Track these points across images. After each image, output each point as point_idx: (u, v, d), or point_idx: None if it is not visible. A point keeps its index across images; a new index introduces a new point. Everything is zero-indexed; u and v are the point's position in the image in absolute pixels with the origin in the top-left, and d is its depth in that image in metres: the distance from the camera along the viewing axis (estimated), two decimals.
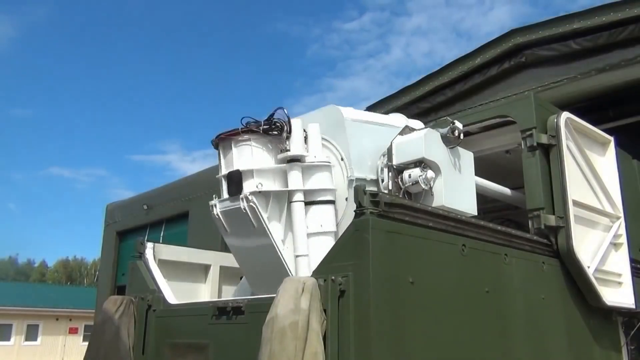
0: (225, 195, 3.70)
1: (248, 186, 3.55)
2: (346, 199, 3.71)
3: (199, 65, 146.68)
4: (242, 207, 3.51)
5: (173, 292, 4.07)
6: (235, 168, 3.60)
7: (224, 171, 3.72)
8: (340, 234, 3.31)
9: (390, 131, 3.94)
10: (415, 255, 2.93)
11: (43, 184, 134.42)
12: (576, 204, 4.11)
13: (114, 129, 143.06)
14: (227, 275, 5.05)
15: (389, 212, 2.83)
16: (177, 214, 14.77)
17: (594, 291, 4.10)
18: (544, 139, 4.12)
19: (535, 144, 4.10)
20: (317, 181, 3.67)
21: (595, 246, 4.31)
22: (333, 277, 2.71)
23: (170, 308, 3.90)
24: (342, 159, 3.78)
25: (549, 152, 4.15)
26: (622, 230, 4.62)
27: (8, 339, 34.23)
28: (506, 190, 4.93)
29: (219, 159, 3.82)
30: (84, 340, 35.08)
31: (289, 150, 3.60)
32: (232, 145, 3.66)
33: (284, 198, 3.64)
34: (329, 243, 3.39)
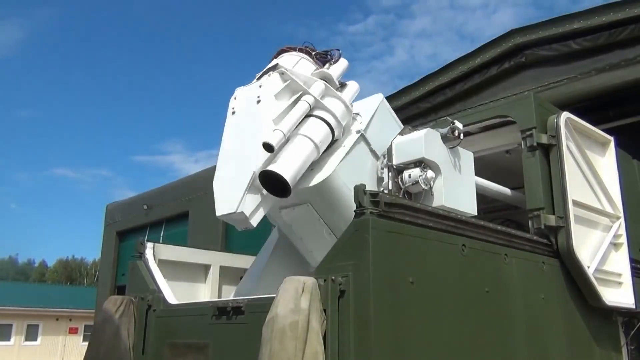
0: None
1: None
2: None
3: (203, 66, 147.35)
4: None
5: (173, 292, 4.07)
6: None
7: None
8: (320, 160, 3.58)
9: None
10: (415, 255, 2.93)
11: (47, 185, 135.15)
12: (576, 204, 4.11)
13: (117, 130, 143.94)
14: (227, 275, 5.05)
15: (389, 212, 2.83)
16: (177, 214, 14.79)
17: (594, 291, 4.10)
18: (544, 139, 4.12)
19: (535, 144, 4.10)
20: (332, 104, 3.71)
21: (595, 246, 4.31)
22: (333, 277, 2.71)
23: (170, 308, 3.90)
24: (360, 122, 3.90)
25: (549, 152, 4.15)
26: (622, 230, 4.62)
27: (8, 339, 34.22)
28: (506, 190, 4.93)
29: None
30: (84, 340, 35.06)
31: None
32: (287, 55, 3.97)
33: (298, 92, 3.67)
34: (304, 147, 3.45)
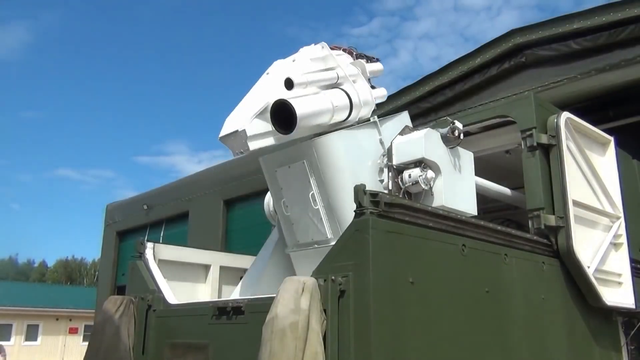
0: None
1: None
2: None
3: (207, 67, 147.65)
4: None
5: (173, 292, 4.07)
6: None
7: None
8: (329, 128, 3.67)
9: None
10: (415, 255, 2.93)
11: (50, 185, 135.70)
12: (576, 204, 4.11)
13: (121, 131, 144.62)
14: (227, 275, 5.05)
15: (389, 212, 2.83)
16: (177, 214, 14.80)
17: (594, 291, 4.10)
18: (544, 139, 4.12)
19: (535, 144, 4.10)
20: (358, 86, 3.90)
21: (595, 246, 4.31)
22: (333, 277, 2.71)
23: (170, 308, 3.90)
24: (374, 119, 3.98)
25: (549, 152, 4.15)
26: (622, 230, 4.62)
27: (8, 339, 34.20)
28: (506, 190, 4.93)
29: None
30: (84, 340, 35.07)
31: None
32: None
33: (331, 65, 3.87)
34: (320, 101, 3.60)
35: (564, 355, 3.91)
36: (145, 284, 4.11)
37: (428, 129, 3.89)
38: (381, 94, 4.27)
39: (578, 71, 7.92)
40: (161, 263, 4.41)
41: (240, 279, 4.58)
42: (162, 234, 15.26)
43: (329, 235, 3.73)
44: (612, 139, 4.79)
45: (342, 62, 3.97)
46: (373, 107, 4.01)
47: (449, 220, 3.23)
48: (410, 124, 4.18)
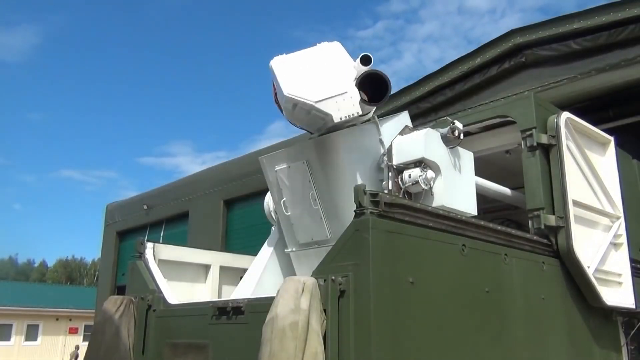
0: None
1: None
2: None
3: (212, 69, 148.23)
4: None
5: (173, 292, 4.07)
6: None
7: None
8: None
9: None
10: (415, 255, 2.93)
11: (53, 186, 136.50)
12: (576, 204, 4.11)
13: (125, 132, 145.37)
14: (227, 275, 5.05)
15: (389, 212, 2.83)
16: (177, 214, 14.80)
17: (594, 291, 4.10)
18: (544, 139, 4.12)
19: (535, 144, 4.10)
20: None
21: (595, 246, 4.31)
22: (333, 277, 2.71)
23: (170, 308, 3.90)
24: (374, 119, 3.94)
25: (549, 152, 4.15)
26: (622, 230, 4.62)
27: (8, 339, 34.22)
28: (506, 190, 4.92)
29: None
30: (84, 340, 35.05)
31: None
32: None
33: None
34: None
35: (564, 355, 3.91)
36: (145, 284, 4.11)
37: (428, 129, 3.89)
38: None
39: (578, 71, 7.92)
40: (161, 263, 4.41)
41: (240, 279, 4.58)
42: (162, 234, 15.27)
43: (329, 235, 3.73)
44: (612, 139, 4.79)
45: None
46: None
47: (449, 220, 3.23)
48: (410, 124, 4.18)
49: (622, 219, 4.64)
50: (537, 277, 3.82)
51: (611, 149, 4.76)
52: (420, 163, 3.68)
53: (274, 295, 2.73)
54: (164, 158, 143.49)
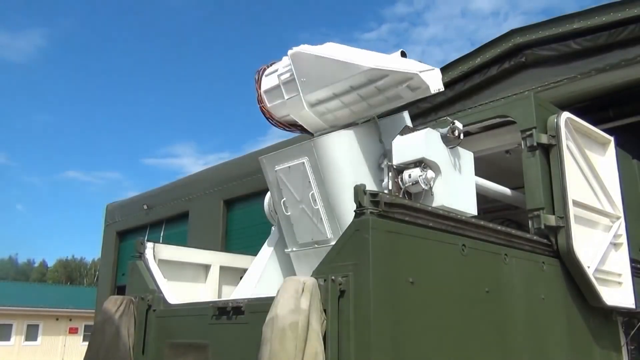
0: None
1: None
2: None
3: (217, 70, 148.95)
4: None
5: (173, 292, 4.07)
6: None
7: None
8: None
9: None
10: (415, 255, 2.93)
11: (58, 187, 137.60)
12: (576, 204, 4.11)
13: (129, 134, 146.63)
14: (227, 275, 5.05)
15: (389, 212, 2.83)
16: (177, 214, 14.79)
17: (594, 291, 4.10)
18: (544, 139, 4.12)
19: (535, 144, 4.10)
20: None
21: (595, 246, 4.31)
22: (333, 277, 2.71)
23: (170, 308, 3.90)
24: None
25: (549, 152, 4.15)
26: (622, 230, 4.62)
27: (8, 339, 34.22)
28: (506, 190, 4.92)
29: None
30: (84, 340, 35.08)
31: None
32: None
33: None
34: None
35: (564, 355, 3.91)
36: (145, 284, 4.11)
37: (428, 129, 3.89)
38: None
39: (578, 71, 7.91)
40: (161, 263, 4.41)
41: (240, 279, 4.58)
42: (162, 234, 15.26)
43: (329, 235, 3.73)
44: (612, 139, 4.79)
45: None
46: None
47: (449, 220, 3.23)
48: (410, 124, 4.18)
49: (622, 219, 4.64)
50: (537, 277, 3.82)
51: (611, 149, 4.76)
52: (420, 163, 3.68)
53: (274, 295, 2.73)
54: (168, 159, 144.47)
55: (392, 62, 3.67)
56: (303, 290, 2.66)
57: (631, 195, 4.94)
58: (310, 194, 3.76)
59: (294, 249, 4.08)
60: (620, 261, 4.54)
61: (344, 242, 2.81)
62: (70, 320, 36.91)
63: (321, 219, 3.76)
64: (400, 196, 3.61)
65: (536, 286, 3.78)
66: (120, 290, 13.52)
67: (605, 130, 4.84)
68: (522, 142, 4.19)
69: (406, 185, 3.68)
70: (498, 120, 4.54)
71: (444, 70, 9.38)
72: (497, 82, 8.83)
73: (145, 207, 15.79)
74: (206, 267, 4.98)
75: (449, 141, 3.82)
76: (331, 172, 3.67)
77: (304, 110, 3.82)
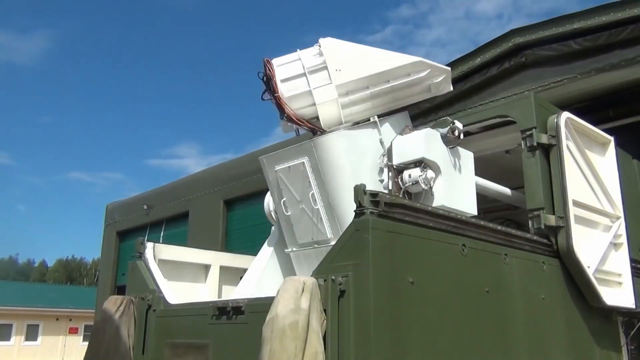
0: None
1: None
2: None
3: (221, 72, 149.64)
4: None
5: (173, 292, 4.07)
6: None
7: None
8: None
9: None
10: (415, 255, 2.93)
11: (61, 188, 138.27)
12: (576, 204, 4.11)
13: (133, 135, 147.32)
14: (227, 275, 5.05)
15: (389, 212, 2.83)
16: (177, 214, 14.79)
17: (594, 291, 4.10)
18: (544, 139, 4.12)
19: (535, 144, 4.10)
20: None
21: (595, 246, 4.31)
22: (333, 277, 2.71)
23: (170, 308, 3.90)
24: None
25: (549, 152, 4.14)
26: (622, 230, 4.62)
27: (8, 339, 34.23)
28: (506, 190, 4.92)
29: None
30: (84, 340, 35.08)
31: None
32: None
33: None
34: None
35: (564, 355, 3.91)
36: (145, 284, 4.11)
37: (428, 129, 3.89)
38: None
39: (578, 71, 7.91)
40: (161, 263, 4.41)
41: (240, 279, 4.58)
42: (162, 234, 15.26)
43: (329, 235, 3.73)
44: (612, 139, 4.79)
45: None
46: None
47: (449, 220, 3.23)
48: (410, 124, 4.18)
49: (622, 219, 4.64)
50: (537, 277, 3.82)
51: (611, 149, 4.75)
52: (420, 163, 3.68)
53: (274, 295, 2.73)
54: (171, 160, 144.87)
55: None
56: (303, 290, 2.66)
57: (631, 195, 4.94)
58: (310, 194, 3.76)
59: (294, 249, 4.08)
60: (620, 261, 4.54)
61: (344, 242, 2.81)
62: (70, 320, 36.92)
63: (321, 219, 3.76)
64: (400, 196, 3.61)
65: (536, 286, 3.78)
66: (120, 290, 13.52)
67: (605, 130, 4.84)
68: (522, 142, 4.19)
69: (406, 185, 3.69)
70: (498, 120, 4.54)
71: None
72: (497, 82, 8.83)
73: (145, 207, 15.79)
74: (206, 267, 4.99)
75: (449, 141, 3.82)
76: (331, 172, 3.67)
77: (332, 100, 3.79)
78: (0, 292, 34.85)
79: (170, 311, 3.87)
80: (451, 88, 4.13)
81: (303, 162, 3.78)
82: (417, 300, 2.84)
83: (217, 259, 5.08)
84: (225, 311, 3.35)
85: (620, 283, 4.47)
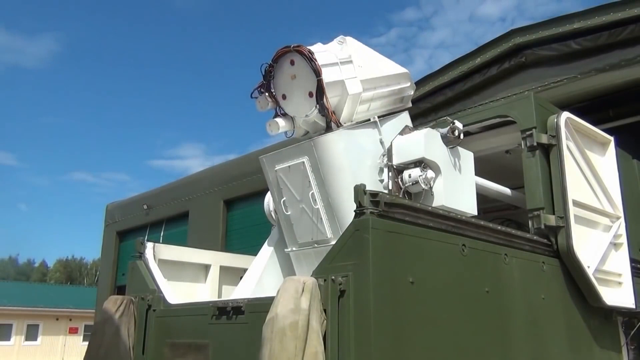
0: None
1: None
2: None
3: (226, 73, 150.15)
4: None
5: (173, 292, 4.07)
6: None
7: None
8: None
9: None
10: (415, 255, 2.93)
11: (64, 188, 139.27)
12: (576, 204, 4.11)
13: (137, 136, 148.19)
14: (227, 275, 5.05)
15: (389, 212, 2.83)
16: (177, 214, 14.79)
17: (594, 291, 4.10)
18: (544, 139, 4.12)
19: (535, 144, 4.10)
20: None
21: (595, 246, 4.31)
22: (333, 277, 2.70)
23: (170, 308, 3.90)
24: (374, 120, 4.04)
25: (549, 152, 4.14)
26: (622, 230, 4.62)
27: (8, 339, 34.22)
28: (506, 190, 4.92)
29: None
30: (84, 340, 35.07)
31: None
32: None
33: None
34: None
35: (564, 355, 3.91)
36: (145, 284, 4.11)
37: (428, 129, 3.89)
38: None
39: (578, 71, 7.92)
40: (161, 263, 4.40)
41: (240, 279, 4.57)
42: (162, 234, 15.26)
43: (329, 235, 3.73)
44: (612, 139, 4.79)
45: None
46: None
47: (449, 220, 3.23)
48: (410, 124, 4.18)
49: (622, 219, 4.64)
50: (537, 277, 3.82)
51: (611, 149, 4.75)
52: (420, 163, 3.68)
53: (274, 295, 2.73)
54: (175, 161, 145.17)
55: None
56: (303, 290, 2.66)
57: (631, 195, 4.94)
58: (310, 194, 3.76)
59: (294, 249, 4.08)
60: (620, 261, 4.54)
61: (344, 242, 2.81)
62: (70, 320, 36.91)
63: (321, 218, 3.76)
64: (400, 196, 3.61)
65: (536, 286, 3.78)
66: (120, 290, 13.52)
67: (605, 130, 4.84)
68: (522, 142, 4.19)
69: (406, 185, 3.68)
70: (498, 120, 4.54)
71: (444, 70, 9.41)
72: (497, 82, 8.84)
73: (145, 207, 15.79)
74: (206, 267, 4.98)
75: (449, 141, 3.82)
76: (331, 172, 3.66)
77: (357, 94, 3.78)
78: (0, 292, 34.85)
79: (170, 311, 3.87)
80: (411, 104, 4.36)
81: (303, 162, 3.78)
82: (417, 300, 2.84)
83: (217, 259, 5.08)
84: (225, 311, 3.34)
85: (620, 283, 4.47)
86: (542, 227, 3.97)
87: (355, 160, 3.74)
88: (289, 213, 3.99)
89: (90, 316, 28.32)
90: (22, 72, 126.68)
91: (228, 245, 12.90)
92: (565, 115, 4.26)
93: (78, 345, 35.60)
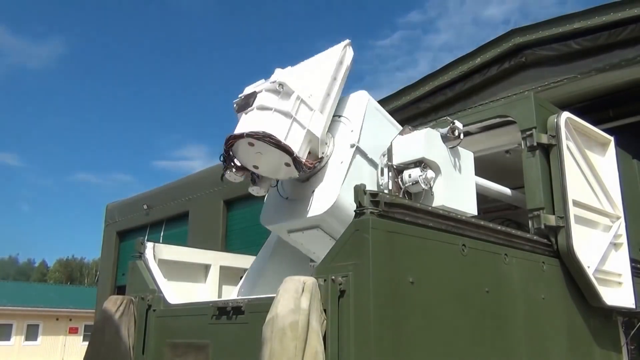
0: None
1: None
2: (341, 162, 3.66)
3: (230, 74, 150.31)
4: None
5: (173, 292, 4.07)
6: None
7: None
8: (322, 182, 3.60)
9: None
10: (415, 255, 2.93)
11: (69, 189, 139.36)
12: (576, 204, 4.11)
13: (141, 137, 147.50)
14: (227, 275, 5.05)
15: (389, 212, 2.83)
16: (177, 214, 14.80)
17: (594, 291, 4.10)
18: (544, 139, 4.12)
19: (535, 144, 4.10)
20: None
21: (595, 246, 4.31)
22: (333, 277, 2.70)
23: (170, 308, 3.90)
24: (352, 131, 3.76)
25: (549, 152, 4.14)
26: (622, 230, 4.61)
27: (8, 339, 34.24)
28: (506, 190, 4.92)
29: None
30: (84, 340, 35.10)
31: None
32: None
33: None
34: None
35: (564, 355, 3.91)
36: (145, 284, 4.11)
37: (428, 129, 3.89)
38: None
39: (578, 71, 7.93)
40: (161, 263, 4.40)
41: (240, 279, 4.58)
42: (162, 234, 15.27)
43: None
44: (612, 139, 4.79)
45: None
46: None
47: (449, 220, 3.23)
48: (373, 106, 3.96)
49: (622, 219, 4.63)
50: (537, 277, 3.82)
51: (611, 149, 4.75)
52: (420, 163, 3.67)
53: (274, 295, 2.73)
54: (180, 161, 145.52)
55: None
56: (303, 290, 2.66)
57: (631, 195, 4.94)
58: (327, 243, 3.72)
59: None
60: (620, 261, 4.54)
61: (344, 242, 2.81)
62: (70, 320, 36.94)
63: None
64: (400, 196, 3.61)
65: (536, 286, 3.78)
66: (120, 290, 13.51)
67: (605, 130, 4.84)
68: (522, 142, 4.19)
69: (406, 185, 3.68)
70: (498, 120, 4.54)
71: (444, 70, 9.41)
72: (497, 82, 8.85)
73: (145, 207, 15.79)
74: (206, 267, 4.98)
75: (449, 141, 3.82)
76: (347, 223, 3.56)
77: (323, 128, 3.59)
78: (0, 292, 34.86)
79: (170, 311, 3.87)
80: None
81: (317, 229, 3.72)
82: (417, 300, 2.84)
83: (217, 259, 5.08)
84: (225, 311, 3.34)
85: (620, 283, 4.47)
86: (542, 227, 3.97)
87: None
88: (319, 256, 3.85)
89: (90, 316, 28.33)
90: (28, 74, 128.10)
91: (228, 245, 12.91)
92: (566, 115, 4.26)
93: (78, 345, 35.63)
